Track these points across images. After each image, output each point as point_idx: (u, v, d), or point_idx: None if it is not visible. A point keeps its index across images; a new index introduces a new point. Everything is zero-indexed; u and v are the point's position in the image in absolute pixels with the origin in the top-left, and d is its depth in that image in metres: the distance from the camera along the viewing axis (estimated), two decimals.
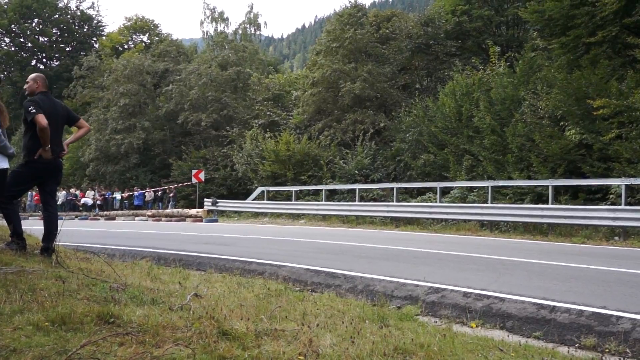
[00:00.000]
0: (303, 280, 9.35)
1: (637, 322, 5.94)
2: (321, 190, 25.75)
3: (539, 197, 18.65)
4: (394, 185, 22.73)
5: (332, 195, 26.39)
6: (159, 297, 5.31)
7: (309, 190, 27.28)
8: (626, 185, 15.51)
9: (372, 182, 25.62)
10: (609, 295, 7.26)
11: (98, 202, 36.45)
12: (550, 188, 17.22)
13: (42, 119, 6.46)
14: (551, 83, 19.95)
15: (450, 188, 21.59)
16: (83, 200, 37.06)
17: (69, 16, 58.10)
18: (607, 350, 5.53)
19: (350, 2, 33.28)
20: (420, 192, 23.55)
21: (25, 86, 7.07)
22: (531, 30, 28.88)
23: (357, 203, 23.17)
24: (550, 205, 16.81)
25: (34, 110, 6.50)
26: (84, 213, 34.68)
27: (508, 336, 6.11)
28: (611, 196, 17.00)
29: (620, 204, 15.55)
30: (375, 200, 24.24)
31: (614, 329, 5.92)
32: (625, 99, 16.99)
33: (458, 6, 31.22)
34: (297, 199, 26.91)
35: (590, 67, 18.83)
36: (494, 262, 10.54)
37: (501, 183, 19.18)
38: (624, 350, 5.45)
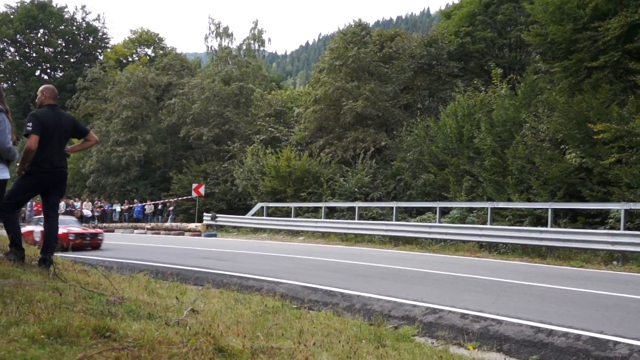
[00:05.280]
0: (300, 297, 9.32)
1: (634, 347, 5.93)
2: (321, 207, 25.75)
3: (538, 219, 18.66)
4: (394, 204, 22.73)
5: (331, 213, 26.38)
6: (156, 312, 5.29)
7: (308, 207, 27.28)
8: (625, 210, 15.53)
9: (372, 200, 25.61)
10: (606, 320, 7.25)
11: (96, 213, 36.40)
12: (549, 211, 17.24)
13: (32, 142, 6.51)
14: (552, 106, 20.04)
15: (450, 208, 21.60)
16: (83, 211, 37.00)
17: (74, 27, 58.50)
18: None
19: (354, 20, 33.51)
20: (420, 211, 23.55)
21: (37, 99, 7.18)
22: (533, 53, 29.09)
23: (356, 221, 23.14)
24: (549, 228, 16.81)
25: (29, 129, 6.56)
26: (83, 224, 34.60)
27: (505, 359, 6.09)
28: (610, 220, 17.00)
29: (619, 229, 15.55)
30: (374, 218, 24.22)
31: (611, 354, 5.90)
32: (625, 124, 17.09)
33: (462, 27, 31.47)
34: (297, 215, 26.91)
35: (591, 91, 18.94)
36: (492, 284, 10.52)
37: (501, 205, 19.19)
38: None
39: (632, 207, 15.59)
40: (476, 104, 23.97)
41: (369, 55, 30.92)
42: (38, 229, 16.97)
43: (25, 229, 17.91)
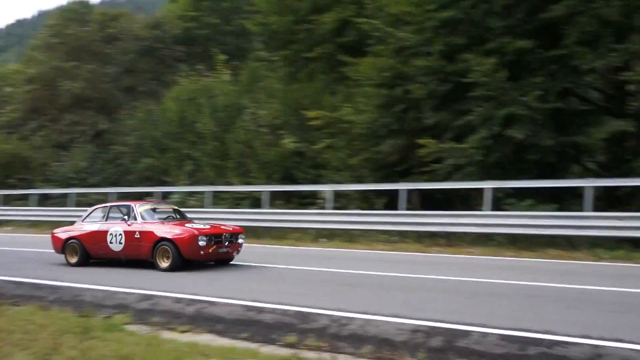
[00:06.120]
0: (3, 292, 8.52)
1: (333, 318, 6.35)
2: (31, 194, 23.92)
3: (257, 201, 19.34)
4: (113, 189, 21.88)
5: (45, 200, 24.63)
6: None
7: (17, 194, 25.18)
8: (333, 191, 16.79)
9: (90, 186, 24.46)
10: (310, 294, 7.75)
11: None
12: (267, 193, 17.95)
13: None
14: (272, 93, 20.91)
15: (171, 193, 21.41)
16: None
17: None
18: (306, 346, 5.81)
19: None
20: (140, 197, 23.04)
21: None
22: (256, 41, 30.09)
23: (72, 208, 21.90)
24: (266, 210, 17.57)
25: None
26: None
27: (215, 339, 6.16)
28: (320, 201, 18.22)
29: (327, 208, 16.77)
30: (91, 205, 23.17)
31: (313, 326, 6.25)
32: (336, 111, 18.39)
33: (188, 12, 31.48)
34: (5, 204, 24.65)
35: (307, 80, 20.09)
36: (209, 267, 10.67)
37: (220, 188, 19.54)
38: (320, 345, 5.78)
39: (339, 189, 16.94)
40: (199, 89, 24.13)
41: (90, 34, 29.57)
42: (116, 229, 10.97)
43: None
